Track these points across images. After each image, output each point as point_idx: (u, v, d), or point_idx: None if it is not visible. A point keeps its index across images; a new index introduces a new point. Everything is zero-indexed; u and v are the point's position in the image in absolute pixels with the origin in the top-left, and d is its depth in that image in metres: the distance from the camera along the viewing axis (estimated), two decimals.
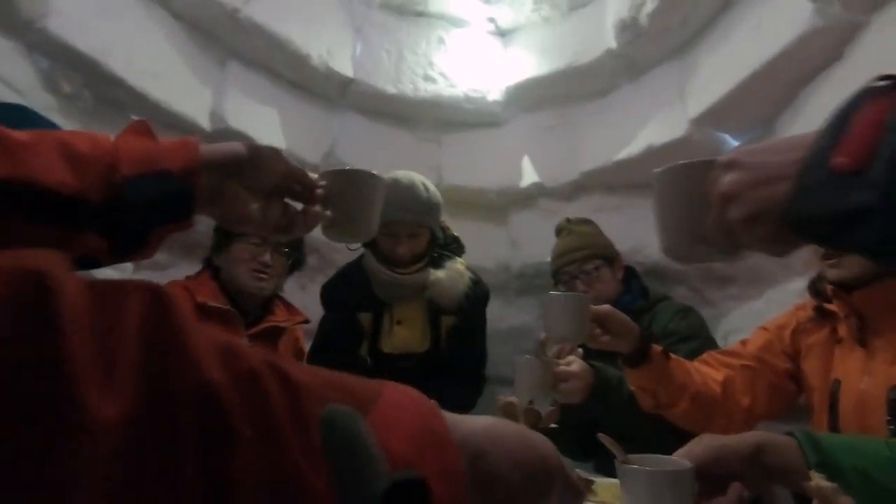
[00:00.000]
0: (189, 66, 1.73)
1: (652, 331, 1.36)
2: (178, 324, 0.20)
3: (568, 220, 1.55)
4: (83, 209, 0.44)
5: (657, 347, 1.02)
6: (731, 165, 0.39)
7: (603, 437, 0.67)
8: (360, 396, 0.24)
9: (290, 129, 1.96)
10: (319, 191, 0.63)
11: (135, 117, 1.63)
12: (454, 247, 1.64)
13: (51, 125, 0.93)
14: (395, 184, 1.47)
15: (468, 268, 1.63)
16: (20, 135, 0.42)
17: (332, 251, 1.99)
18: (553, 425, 0.94)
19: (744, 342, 1.17)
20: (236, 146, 0.55)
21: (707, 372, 1.09)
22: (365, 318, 1.56)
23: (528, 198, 2.18)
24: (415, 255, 1.52)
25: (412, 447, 0.23)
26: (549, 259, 1.62)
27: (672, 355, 1.05)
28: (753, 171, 0.37)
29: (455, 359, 1.58)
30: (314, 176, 0.64)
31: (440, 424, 0.25)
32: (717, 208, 0.39)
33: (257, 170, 0.56)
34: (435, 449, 0.24)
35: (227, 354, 0.21)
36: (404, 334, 1.55)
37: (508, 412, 0.93)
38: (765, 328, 1.16)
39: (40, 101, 1.38)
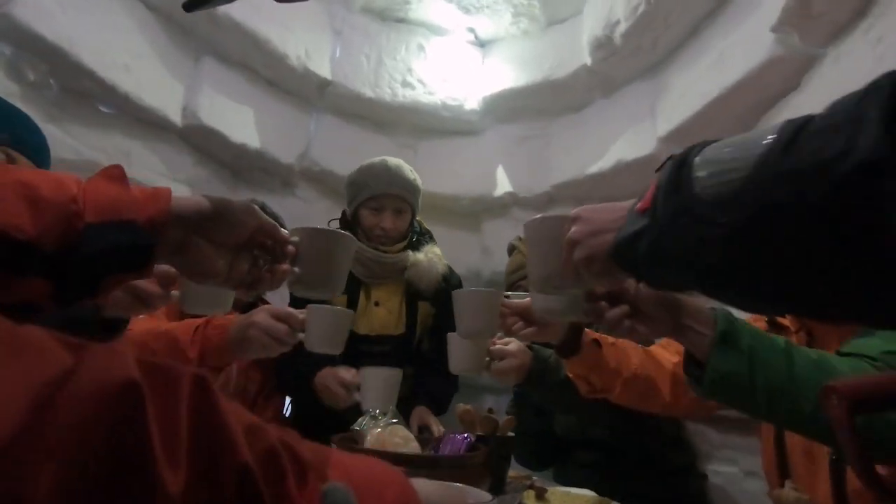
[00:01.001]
0: (162, 60, 1.71)
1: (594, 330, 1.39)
2: (217, 407, 0.24)
3: (519, 239, 1.59)
4: (33, 255, 0.42)
5: (589, 335, 1.03)
6: (576, 219, 0.52)
7: None
8: (353, 474, 0.29)
9: (264, 128, 1.95)
10: (290, 248, 0.62)
11: (103, 109, 1.62)
12: (427, 237, 1.68)
13: (17, 115, 0.89)
14: (383, 163, 1.55)
15: None
16: None
17: None
18: (510, 433, 0.95)
19: None
20: (205, 202, 0.54)
21: (661, 354, 1.11)
22: (338, 300, 1.57)
23: (501, 207, 2.21)
24: (398, 233, 1.55)
25: None
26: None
27: (607, 340, 1.05)
28: (591, 224, 0.49)
29: (434, 353, 1.60)
30: (285, 232, 0.63)
31: (414, 497, 0.31)
32: (566, 251, 0.52)
33: (228, 225, 0.55)
34: None
35: (252, 433, 0.25)
36: (382, 315, 1.56)
37: (466, 420, 0.94)
38: None
39: (2, 89, 1.34)
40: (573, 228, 0.52)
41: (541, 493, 0.91)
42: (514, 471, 1.08)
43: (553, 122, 2.15)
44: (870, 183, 0.25)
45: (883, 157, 0.25)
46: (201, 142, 1.84)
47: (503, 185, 2.18)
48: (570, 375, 1.07)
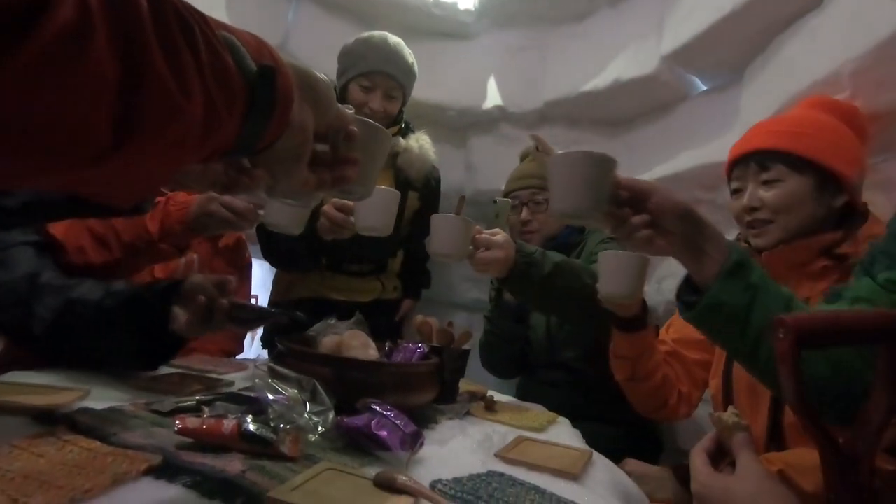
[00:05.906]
0: None
1: (580, 256, 1.39)
2: None
3: (536, 149, 1.51)
4: None
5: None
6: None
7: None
8: (222, 25, 0.35)
9: (236, 15, 1.77)
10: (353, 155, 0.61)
11: None
12: (411, 127, 1.62)
13: None
14: (384, 37, 1.46)
15: None
16: None
17: None
18: (465, 348, 0.94)
19: (667, 327, 1.19)
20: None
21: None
22: None
23: (489, 121, 2.10)
24: (387, 117, 1.47)
25: (260, 53, 0.36)
26: (503, 187, 1.59)
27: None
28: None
29: (413, 247, 1.66)
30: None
31: (274, 49, 0.38)
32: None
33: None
34: (274, 56, 0.37)
35: None
36: None
37: (423, 331, 0.93)
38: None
39: None
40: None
41: (490, 405, 0.92)
42: (471, 384, 1.09)
43: (551, 32, 1.99)
44: None
45: None
46: None
47: (493, 97, 2.06)
48: (613, 356, 1.08)
